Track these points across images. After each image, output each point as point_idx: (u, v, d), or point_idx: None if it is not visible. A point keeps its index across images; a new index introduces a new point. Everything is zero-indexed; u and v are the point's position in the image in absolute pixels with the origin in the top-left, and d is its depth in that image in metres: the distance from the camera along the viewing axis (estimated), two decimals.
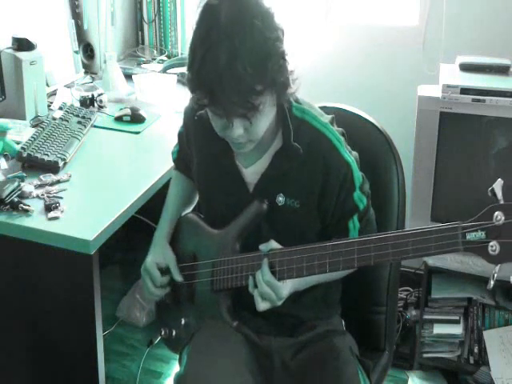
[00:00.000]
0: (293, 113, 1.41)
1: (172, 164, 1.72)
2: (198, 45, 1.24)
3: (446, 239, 1.20)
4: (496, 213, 1.17)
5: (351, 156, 1.43)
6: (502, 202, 1.18)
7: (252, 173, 1.46)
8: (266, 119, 1.32)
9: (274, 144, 1.43)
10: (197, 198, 1.68)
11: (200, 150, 1.52)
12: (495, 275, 1.21)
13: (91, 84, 2.60)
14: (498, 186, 1.20)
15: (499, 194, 1.19)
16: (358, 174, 1.44)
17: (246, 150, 1.38)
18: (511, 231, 1.15)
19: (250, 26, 1.21)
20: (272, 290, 1.34)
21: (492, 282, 1.23)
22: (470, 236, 1.18)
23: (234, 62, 1.19)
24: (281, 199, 1.43)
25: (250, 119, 1.28)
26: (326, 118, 1.45)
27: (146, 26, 2.93)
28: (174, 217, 1.63)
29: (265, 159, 1.44)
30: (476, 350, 2.32)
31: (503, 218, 1.16)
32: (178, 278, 1.54)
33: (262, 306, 1.36)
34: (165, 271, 1.56)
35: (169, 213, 1.64)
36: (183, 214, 1.65)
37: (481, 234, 1.18)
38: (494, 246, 1.16)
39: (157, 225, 1.65)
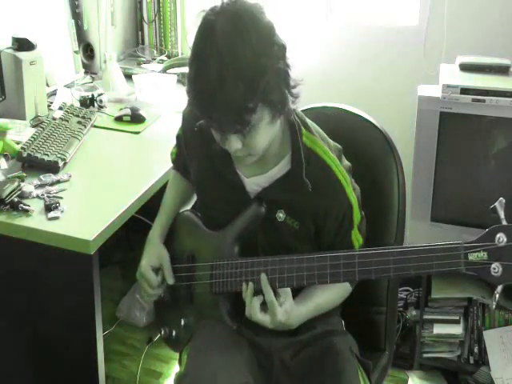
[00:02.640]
0: (303, 142, 1.41)
1: (171, 164, 1.72)
2: (192, 60, 1.25)
3: (447, 258, 1.21)
4: (498, 234, 1.17)
5: (354, 194, 1.44)
6: (504, 222, 1.19)
7: (253, 183, 1.45)
8: (264, 135, 1.31)
9: (280, 165, 1.43)
10: (194, 199, 1.67)
11: (199, 156, 1.52)
12: (497, 296, 1.21)
13: (91, 84, 2.59)
14: (499, 205, 1.20)
15: (501, 214, 1.19)
16: (357, 214, 1.45)
17: (248, 163, 1.38)
18: None
19: (242, 42, 1.19)
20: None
21: (494, 303, 1.24)
22: (472, 256, 1.19)
23: (224, 77, 1.18)
24: (281, 215, 1.44)
25: (245, 135, 1.27)
26: (334, 151, 1.45)
27: (146, 26, 2.92)
28: (169, 217, 1.63)
29: (268, 177, 1.44)
30: (476, 349, 2.32)
31: (505, 239, 1.17)
32: (170, 280, 1.54)
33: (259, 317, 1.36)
34: (160, 269, 1.56)
35: (164, 213, 1.64)
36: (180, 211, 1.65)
37: (483, 255, 1.18)
38: (496, 268, 1.17)
39: None
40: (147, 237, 1.61)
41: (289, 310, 1.36)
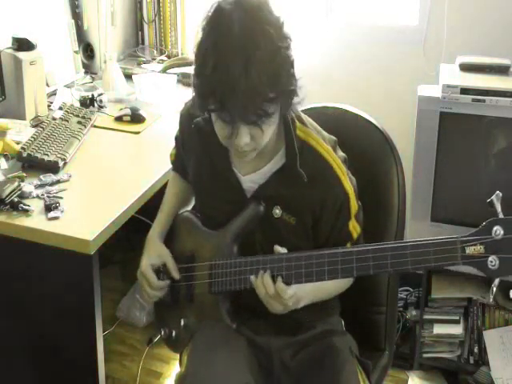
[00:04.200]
0: (297, 134, 1.41)
1: (171, 165, 1.72)
2: (209, 52, 1.23)
3: (445, 252, 1.21)
4: (495, 227, 1.17)
5: (351, 184, 1.44)
6: (500, 215, 1.19)
7: (249, 181, 1.46)
8: (272, 128, 1.32)
9: (274, 159, 1.43)
10: (193, 200, 1.67)
11: (196, 156, 1.52)
12: (494, 289, 1.21)
13: (91, 84, 2.60)
14: (496, 198, 1.20)
15: (498, 207, 1.19)
16: (354, 204, 1.45)
17: (248, 159, 1.38)
18: (510, 246, 1.16)
19: (263, 34, 1.20)
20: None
21: (491, 296, 1.24)
22: (469, 250, 1.19)
23: (248, 71, 1.18)
24: (278, 212, 1.43)
25: (261, 126, 1.27)
26: (329, 142, 1.45)
27: (146, 26, 2.93)
28: (168, 217, 1.63)
29: (264, 173, 1.44)
30: (476, 349, 2.32)
31: (502, 232, 1.17)
32: (176, 275, 1.54)
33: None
34: (161, 271, 1.56)
35: (164, 212, 1.64)
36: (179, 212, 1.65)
37: (480, 248, 1.18)
38: (493, 261, 1.17)
39: None
40: (147, 236, 1.61)
41: (295, 295, 1.35)
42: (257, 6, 1.24)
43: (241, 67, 1.19)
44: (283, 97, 1.26)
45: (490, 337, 2.29)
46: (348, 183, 1.43)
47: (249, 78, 1.19)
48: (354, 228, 1.46)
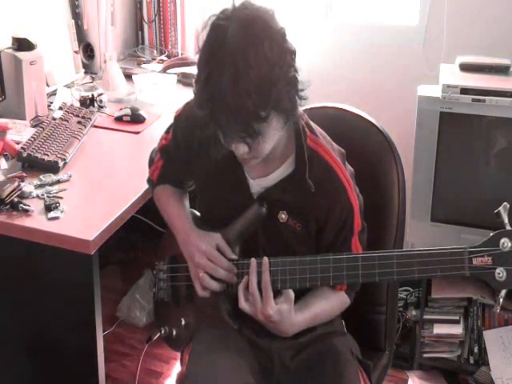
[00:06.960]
0: (307, 143, 1.40)
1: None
2: (203, 63, 1.23)
3: (452, 262, 1.22)
4: (503, 239, 1.19)
5: (357, 200, 1.43)
6: (508, 227, 1.20)
7: (258, 185, 1.45)
8: (271, 141, 1.30)
9: (283, 166, 1.42)
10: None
11: (202, 156, 1.51)
12: (501, 300, 1.22)
13: (91, 84, 2.59)
14: (503, 209, 1.21)
15: (505, 219, 1.20)
16: (358, 220, 1.44)
17: (253, 164, 1.38)
18: None
19: (256, 51, 1.18)
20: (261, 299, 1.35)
21: (498, 307, 1.25)
22: (477, 261, 1.20)
23: (236, 86, 1.17)
24: (283, 216, 1.43)
25: (251, 143, 1.26)
26: (338, 155, 1.45)
27: (145, 26, 2.93)
28: (185, 210, 1.57)
29: (272, 178, 1.43)
30: (476, 349, 2.32)
31: (510, 244, 1.18)
32: (232, 255, 1.44)
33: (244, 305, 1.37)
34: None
35: (178, 207, 1.57)
36: None
37: (487, 260, 1.20)
38: (500, 273, 1.19)
39: (157, 225, 1.63)
40: (180, 241, 1.51)
41: (283, 312, 1.35)
42: (253, 20, 1.21)
43: (229, 83, 1.17)
44: (277, 114, 1.24)
45: (490, 337, 2.29)
46: (354, 197, 1.43)
47: (237, 94, 1.17)
48: (356, 249, 1.45)
